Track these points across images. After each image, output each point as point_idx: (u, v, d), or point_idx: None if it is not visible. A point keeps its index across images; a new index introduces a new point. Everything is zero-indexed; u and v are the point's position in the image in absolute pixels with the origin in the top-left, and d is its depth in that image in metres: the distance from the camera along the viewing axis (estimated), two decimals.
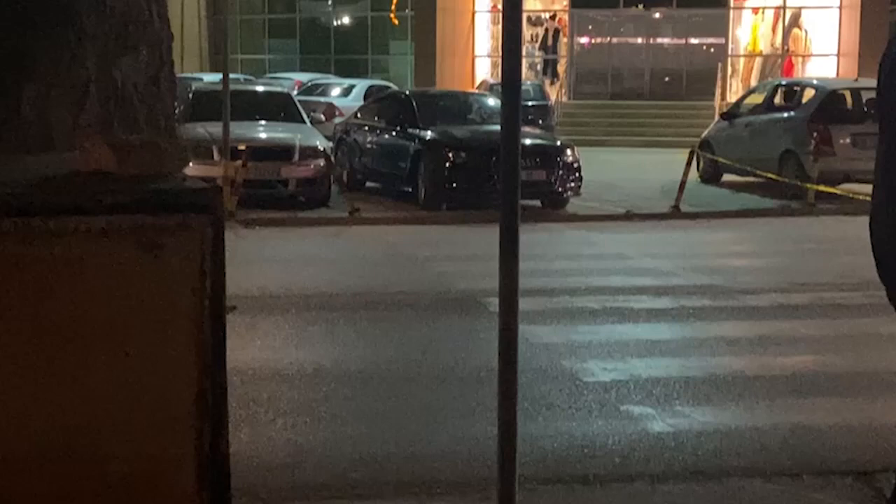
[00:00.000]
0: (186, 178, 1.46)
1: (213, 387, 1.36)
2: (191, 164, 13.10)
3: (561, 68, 29.59)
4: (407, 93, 16.25)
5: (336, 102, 22.95)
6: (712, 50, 28.80)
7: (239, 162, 12.35)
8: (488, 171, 12.90)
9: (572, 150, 13.78)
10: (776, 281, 9.22)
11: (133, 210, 1.33)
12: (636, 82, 28.62)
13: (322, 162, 13.41)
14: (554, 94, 27.00)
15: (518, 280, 3.39)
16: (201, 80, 24.27)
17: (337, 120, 19.15)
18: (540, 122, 18.95)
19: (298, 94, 23.36)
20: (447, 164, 13.14)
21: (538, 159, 13.32)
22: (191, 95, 14.80)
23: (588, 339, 7.04)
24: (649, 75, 28.53)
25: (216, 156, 12.93)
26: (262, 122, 14.39)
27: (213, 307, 1.37)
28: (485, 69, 31.07)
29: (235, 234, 11.75)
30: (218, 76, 13.35)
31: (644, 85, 28.47)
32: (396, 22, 32.39)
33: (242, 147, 12.70)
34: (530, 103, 23.73)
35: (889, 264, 2.12)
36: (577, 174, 13.56)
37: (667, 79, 28.61)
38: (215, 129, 12.87)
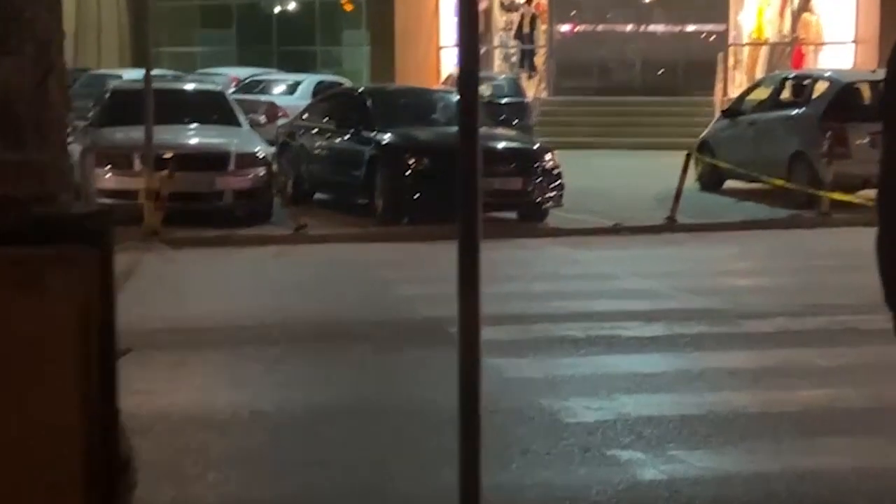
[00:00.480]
0: (73, 203, 1.45)
1: (103, 442, 1.35)
2: (108, 175, 13.11)
3: (539, 60, 29.78)
4: (361, 89, 16.29)
5: (279, 101, 22.96)
6: (712, 38, 29.06)
7: (164, 172, 12.30)
8: (454, 179, 12.91)
9: (552, 154, 13.85)
10: (784, 303, 9.30)
11: (10, 240, 1.32)
12: (626, 76, 28.82)
13: (262, 171, 13.40)
14: (532, 89, 27.16)
15: (479, 307, 3.39)
16: (120, 77, 24.34)
17: (280, 122, 19.14)
18: (515, 121, 19.03)
19: (235, 92, 23.42)
20: (408, 172, 13.17)
21: (513, 165, 13.39)
22: (107, 95, 14.77)
23: (570, 372, 7.07)
24: (641, 68, 28.74)
25: (137, 165, 12.88)
26: (192, 126, 14.37)
27: (102, 349, 1.37)
28: (452, 62, 31.18)
29: (160, 256, 11.71)
30: (141, 72, 13.30)
31: (635, 79, 28.68)
32: (350, 7, 32.46)
33: (168, 155, 12.66)
34: (504, 100, 23.87)
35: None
36: (557, 182, 13.64)
37: (660, 71, 28.85)
38: (136, 133, 12.82)
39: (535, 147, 14.15)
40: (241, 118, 14.76)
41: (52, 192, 1.50)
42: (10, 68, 1.72)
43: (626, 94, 27.67)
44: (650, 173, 18.82)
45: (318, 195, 15.38)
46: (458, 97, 3.37)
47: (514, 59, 30.99)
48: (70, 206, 1.39)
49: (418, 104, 15.38)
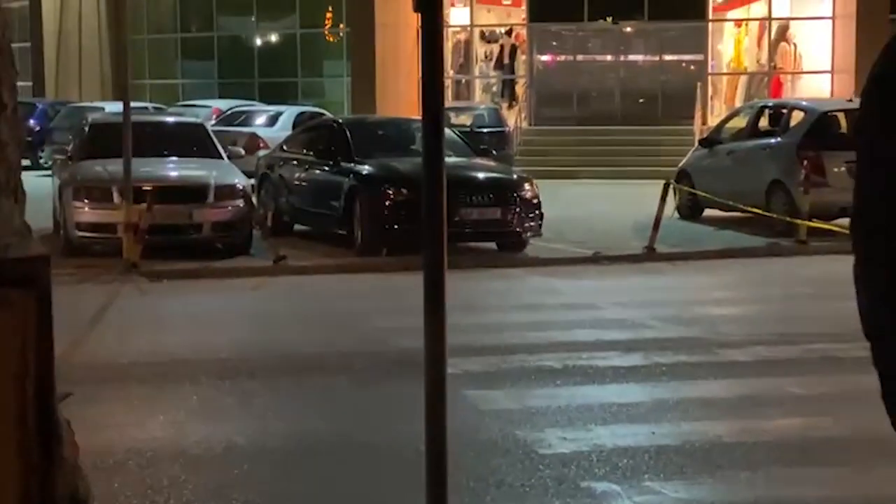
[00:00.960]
0: (9, 246, 1.43)
1: (41, 489, 1.32)
2: (87, 208, 13.06)
3: (520, 90, 29.91)
4: (340, 120, 16.33)
5: (260, 133, 22.98)
6: (691, 67, 29.27)
7: (143, 205, 12.28)
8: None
9: (531, 183, 13.88)
10: (761, 332, 9.31)
11: None
12: (605, 105, 28.97)
13: (241, 203, 13.39)
14: (512, 119, 27.27)
15: (445, 343, 3.38)
16: (102, 109, 24.32)
17: (261, 153, 19.15)
18: (495, 151, 19.09)
19: (217, 123, 23.47)
20: (387, 203, 13.17)
21: (492, 195, 13.41)
22: (87, 129, 14.75)
23: (546, 403, 7.05)
24: (620, 97, 28.90)
25: (116, 198, 12.86)
26: (172, 159, 14.35)
27: (39, 396, 1.34)
28: None
29: (139, 288, 11.66)
30: (120, 105, 13.30)
31: (614, 108, 28.83)
32: (332, 38, 32.56)
33: (148, 187, 12.64)
34: (485, 130, 23.97)
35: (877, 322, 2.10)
36: (536, 211, 13.66)
37: (640, 101, 29.02)
38: (115, 167, 12.80)
39: (514, 177, 14.18)
40: (221, 150, 14.75)
41: None
42: None
43: (606, 124, 27.82)
44: (629, 202, 18.87)
45: (298, 227, 15.36)
46: (422, 132, 3.35)
47: (494, 88, 31.13)
48: (7, 250, 1.38)
49: (398, 135, 15.39)
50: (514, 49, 30.22)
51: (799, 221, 14.40)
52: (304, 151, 15.45)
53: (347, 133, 14.69)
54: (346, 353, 8.53)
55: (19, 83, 2.00)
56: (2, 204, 1.61)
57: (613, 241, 14.69)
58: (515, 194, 13.58)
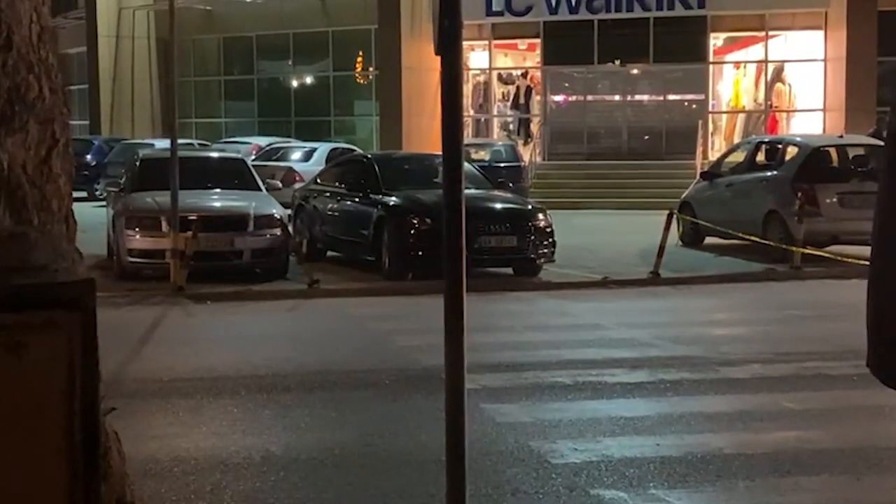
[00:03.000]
0: (58, 271, 1.44)
1: (86, 500, 1.32)
2: (138, 236, 13.12)
3: (534, 127, 29.95)
4: (369, 156, 16.38)
5: (296, 167, 23.07)
6: (693, 106, 29.24)
7: (189, 233, 12.33)
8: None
9: (544, 213, 13.87)
10: (758, 350, 9.26)
11: None
12: (613, 141, 28.97)
13: (278, 231, 13.43)
14: (527, 154, 27.30)
15: (464, 357, 3.37)
16: (152, 145, 24.48)
17: (297, 185, 19.22)
18: (511, 184, 19.04)
19: (256, 158, 23.56)
20: (412, 231, 13.20)
21: (509, 224, 13.41)
22: (138, 163, 14.84)
23: (558, 417, 7.01)
24: (627, 134, 28.90)
25: (164, 227, 12.92)
26: (215, 191, 14.42)
27: (84, 411, 1.34)
28: None
29: (185, 310, 11.69)
30: (168, 142, 13.40)
31: (622, 144, 28.82)
32: (362, 80, 32.73)
33: (193, 217, 12.70)
34: (502, 164, 23.97)
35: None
36: (550, 239, 13.65)
37: (646, 137, 28.99)
38: (163, 198, 12.87)
39: (529, 207, 14.17)
40: (260, 183, 14.81)
41: (41, 260, 1.49)
42: (16, 145, 1.72)
43: (614, 158, 27.83)
44: (636, 231, 18.84)
45: (330, 253, 15.40)
46: (443, 166, 3.35)
47: (511, 126, 31.19)
48: (55, 274, 1.39)
49: (422, 169, 15.41)
50: (529, 90, 30.29)
51: (794, 249, 14.32)
52: (336, 184, 15.51)
53: (376, 167, 14.74)
54: (374, 369, 8.52)
55: (78, 122, 2.02)
56: (54, 230, 1.62)
57: (621, 266, 14.67)
58: (530, 223, 13.57)
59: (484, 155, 24.72)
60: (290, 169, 22.91)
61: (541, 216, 13.77)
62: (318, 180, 16.32)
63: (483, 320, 10.47)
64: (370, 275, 13.68)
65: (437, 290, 12.90)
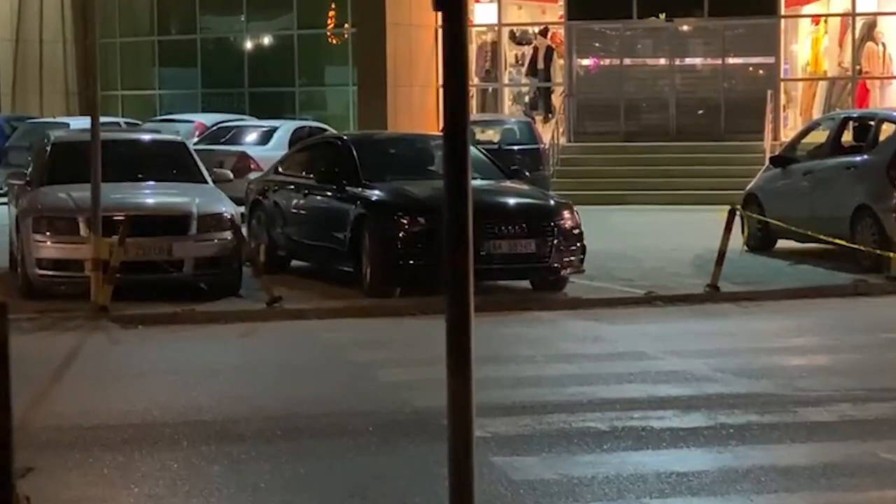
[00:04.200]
0: None
1: None
2: (49, 243, 13.15)
3: (557, 100, 30.01)
4: (345, 137, 16.39)
5: (251, 152, 23.08)
6: (760, 72, 29.31)
7: (115, 238, 12.34)
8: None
9: (571, 210, 13.89)
10: (846, 386, 9.25)
11: None
12: (658, 117, 29.01)
13: (229, 235, 13.44)
14: (548, 134, 27.33)
15: (472, 402, 3.38)
16: (66, 126, 24.50)
17: (252, 176, 19.23)
18: (528, 173, 19.05)
19: (200, 141, 23.63)
20: (401, 234, 13.20)
21: (525, 225, 13.42)
22: (48, 148, 14.83)
23: (591, 473, 7.03)
24: (675, 108, 28.93)
25: (83, 231, 12.92)
26: (148, 184, 14.43)
27: None
28: None
29: (109, 336, 11.69)
30: (88, 121, 13.42)
31: (668, 121, 28.86)
32: (335, 41, 32.79)
33: (119, 217, 12.71)
34: (516, 147, 24.02)
35: None
36: (578, 244, 13.66)
37: (699, 112, 29.05)
38: (81, 193, 12.87)
39: (551, 203, 14.18)
40: (206, 173, 14.82)
41: None
42: None
43: (659, 140, 27.88)
44: (687, 232, 18.82)
45: (295, 262, 15.40)
46: (444, 151, 3.36)
47: (527, 99, 31.24)
48: None
49: (414, 154, 15.42)
50: (549, 52, 30.34)
51: (890, 254, 14.33)
52: (303, 174, 15.52)
53: (354, 152, 14.74)
54: (354, 412, 8.53)
55: None
56: None
57: (668, 278, 14.68)
58: (553, 223, 13.58)
59: (492, 135, 24.76)
60: (244, 154, 22.92)
61: (566, 214, 13.78)
62: (280, 169, 16.35)
63: (493, 349, 10.47)
64: (347, 290, 13.67)
65: (433, 309, 12.92)
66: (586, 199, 20.86)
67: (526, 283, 13.97)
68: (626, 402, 8.72)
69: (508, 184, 14.79)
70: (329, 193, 14.55)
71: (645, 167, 26.59)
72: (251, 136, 24.59)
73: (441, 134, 17.97)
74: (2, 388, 1.29)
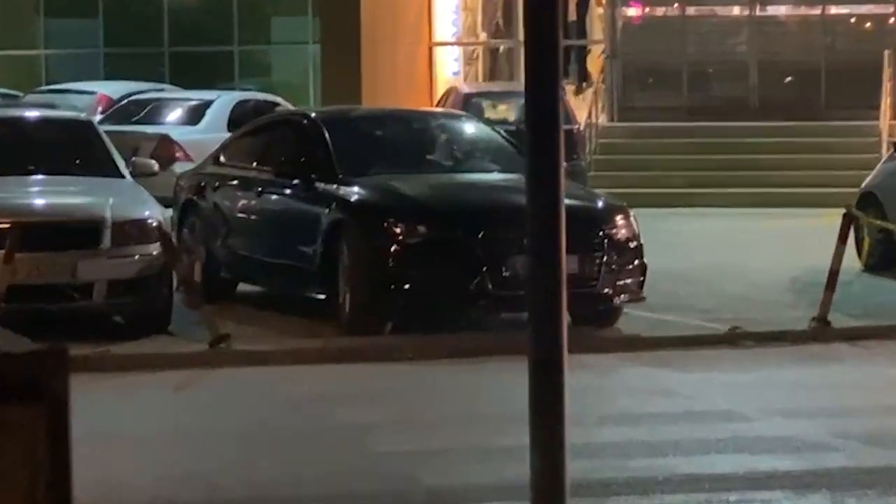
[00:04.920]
0: None
1: None
2: None
3: (595, 64, 30.05)
4: (312, 115, 16.36)
5: (176, 135, 23.08)
6: (874, 26, 29.34)
7: None
8: (471, 260, 12.94)
9: (626, 216, 13.87)
10: None
11: None
12: (734, 88, 29.10)
13: (156, 249, 13.41)
14: (583, 110, 27.31)
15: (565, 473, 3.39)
16: None
17: (180, 167, 19.20)
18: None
19: (104, 120, 23.52)
20: (393, 249, 13.19)
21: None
22: None
23: None
24: (757, 74, 28.99)
25: None
26: (39, 178, 14.39)
27: None
28: (453, 68, 31.33)
29: None
30: None
31: (749, 93, 28.91)
32: None
33: (5, 225, 12.70)
34: None
35: None
36: (636, 261, 13.65)
37: (788, 80, 29.10)
38: None
39: (599, 205, 14.16)
40: (122, 164, 14.80)
41: None
42: None
43: (735, 118, 27.86)
44: (780, 245, 18.87)
45: (243, 287, 15.39)
46: (528, 127, 3.36)
47: None
48: None
49: (409, 138, 15.49)
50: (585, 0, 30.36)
51: None
52: (255, 165, 15.53)
53: (326, 135, 14.73)
54: (344, 496, 8.51)
55: None
56: None
57: (758, 309, 14.74)
58: (602, 233, 13.56)
59: (506, 112, 24.80)
60: (166, 138, 22.91)
61: (620, 220, 13.78)
62: (221, 159, 16.34)
63: (522, 404, 10.46)
64: (317, 325, 13.71)
65: (438, 351, 12.92)
66: (636, 199, 20.71)
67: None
68: (717, 480, 8.72)
69: None
70: (292, 192, 14.54)
71: (716, 156, 26.62)
72: (175, 113, 24.58)
73: (438, 111, 18.08)
74: (59, 449, 1.36)
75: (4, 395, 1.34)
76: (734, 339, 13.48)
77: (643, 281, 13.77)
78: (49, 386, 1.34)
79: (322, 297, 13.88)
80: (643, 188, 24.29)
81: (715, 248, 19.41)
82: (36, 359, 1.34)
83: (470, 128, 16.22)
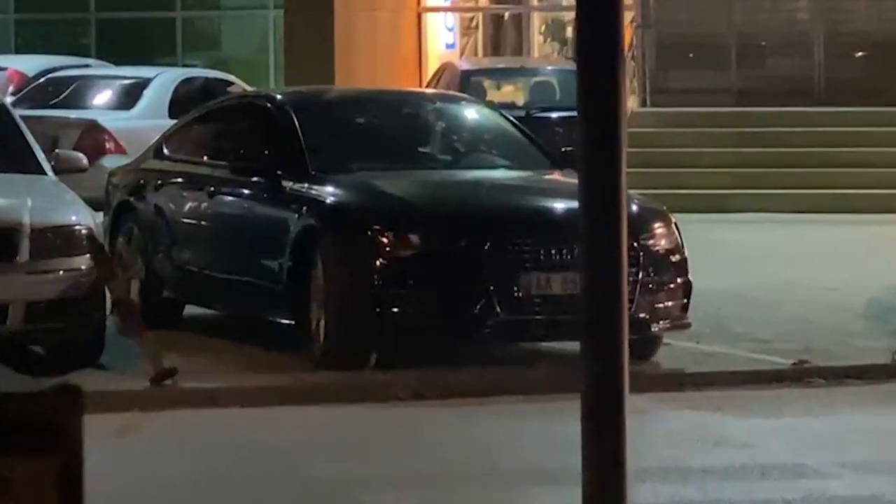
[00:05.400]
0: None
1: None
2: None
3: (624, 35, 30.04)
4: (279, 97, 16.35)
5: (107, 121, 23.05)
6: None
7: None
8: (475, 278, 12.94)
9: (667, 223, 13.90)
10: None
11: None
12: (794, 67, 29.14)
13: (85, 263, 13.40)
14: None
15: None
16: None
17: (110, 161, 19.21)
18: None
19: (19, 101, 23.50)
20: (379, 263, 13.20)
21: None
22: None
23: None
24: (823, 52, 29.05)
25: None
26: None
27: None
28: (446, 39, 31.34)
29: None
30: None
31: (812, 73, 28.98)
32: None
33: None
34: (554, 115, 24.12)
35: None
36: (678, 279, 13.67)
37: (858, 56, 29.14)
38: None
39: (631, 208, 14.05)
40: (43, 158, 14.78)
41: None
42: None
43: (795, 103, 27.94)
44: (854, 259, 18.92)
45: (192, 309, 15.41)
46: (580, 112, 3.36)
47: (569, 32, 31.28)
48: None
49: (396, 126, 15.57)
50: None
51: None
52: (205, 159, 15.53)
53: (296, 123, 14.74)
54: None
55: None
56: None
57: (829, 338, 14.78)
58: (636, 244, 13.52)
59: (516, 93, 24.81)
60: (94, 125, 22.91)
61: (659, 229, 13.79)
62: (164, 150, 16.34)
63: (546, 456, 10.48)
64: (284, 357, 13.76)
65: (435, 389, 12.87)
66: (672, 202, 20.71)
67: None
68: None
69: (558, 177, 14.78)
70: (252, 193, 14.57)
71: (772, 149, 26.66)
72: (104, 95, 24.63)
73: (431, 92, 18.07)
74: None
75: (5, 445, 1.33)
76: (799, 375, 13.52)
77: (687, 303, 13.79)
78: (60, 434, 1.34)
79: (290, 322, 13.88)
80: (680, 188, 24.36)
81: (771, 263, 19.46)
82: (43, 401, 1.33)
83: (473, 113, 16.18)
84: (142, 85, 24.47)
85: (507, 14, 31.19)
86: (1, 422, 1.32)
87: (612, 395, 3.08)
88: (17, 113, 16.74)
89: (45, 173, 14.61)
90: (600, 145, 3.08)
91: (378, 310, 13.19)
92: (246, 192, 14.64)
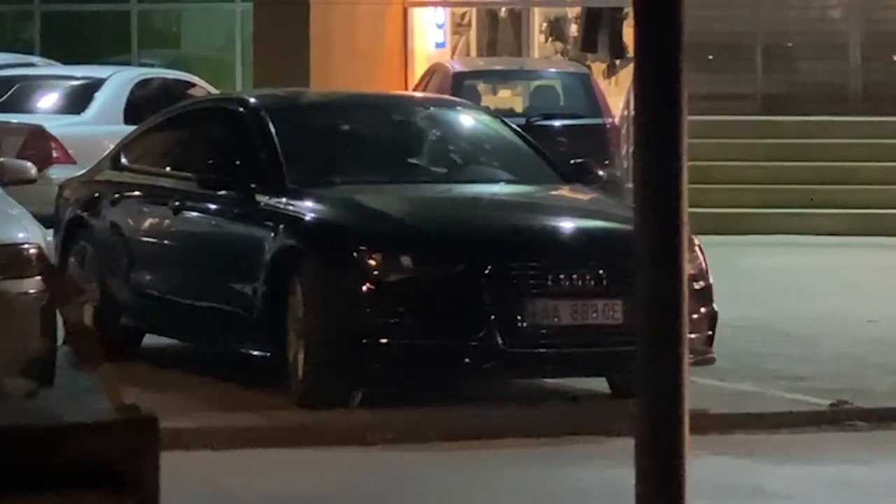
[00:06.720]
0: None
1: None
2: None
3: (631, 31, 30.06)
4: (252, 101, 16.34)
5: (54, 127, 23.05)
6: None
7: None
8: (474, 305, 12.95)
9: (688, 245, 13.83)
10: None
11: None
12: (827, 71, 29.15)
13: (32, 286, 13.40)
14: (619, 98, 27.34)
15: None
16: None
17: (58, 172, 19.21)
18: (591, 175, 18.99)
19: None
20: (366, 289, 13.20)
21: (604, 273, 13.42)
22: None
23: None
24: (860, 54, 29.09)
25: None
26: None
27: None
28: (436, 37, 31.37)
29: None
30: None
31: (848, 78, 29.05)
32: None
33: None
34: (557, 124, 24.09)
35: None
36: (703, 309, 13.67)
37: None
38: None
39: None
40: None
41: None
42: None
43: (829, 111, 27.94)
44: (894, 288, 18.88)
45: (152, 339, 15.40)
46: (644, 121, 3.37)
47: (575, 29, 31.32)
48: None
49: (382, 135, 15.60)
50: None
51: None
52: (169, 170, 15.54)
53: (271, 129, 14.75)
54: None
55: None
56: None
57: (872, 376, 14.87)
58: None
59: (515, 99, 24.82)
60: (39, 131, 22.91)
61: None
62: (122, 160, 16.35)
63: None
64: (260, 395, 13.76)
65: (430, 433, 12.87)
66: (694, 221, 20.56)
67: (602, 383, 13.95)
68: None
69: (567, 193, 14.79)
70: (222, 208, 14.58)
71: (802, 163, 26.70)
72: (51, 97, 24.64)
73: (433, 97, 18.06)
74: None
75: (72, 482, 1.32)
76: (839, 417, 13.52)
77: (712, 336, 13.80)
78: (135, 471, 1.33)
79: (264, 355, 13.88)
80: (701, 207, 24.21)
81: (805, 291, 19.48)
82: (117, 432, 1.32)
83: (470, 120, 16.18)
84: (93, 86, 24.46)
85: (503, 10, 31.22)
86: (70, 455, 1.32)
87: (671, 437, 3.08)
88: None
89: None
90: (658, 159, 3.06)
91: (364, 341, 13.17)
92: (215, 207, 14.63)
